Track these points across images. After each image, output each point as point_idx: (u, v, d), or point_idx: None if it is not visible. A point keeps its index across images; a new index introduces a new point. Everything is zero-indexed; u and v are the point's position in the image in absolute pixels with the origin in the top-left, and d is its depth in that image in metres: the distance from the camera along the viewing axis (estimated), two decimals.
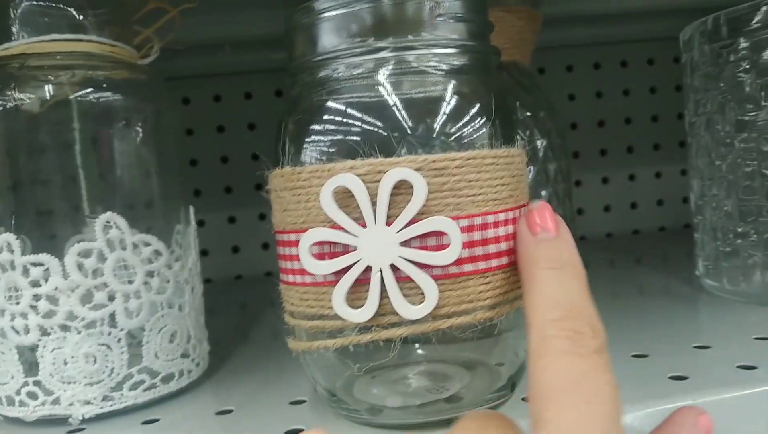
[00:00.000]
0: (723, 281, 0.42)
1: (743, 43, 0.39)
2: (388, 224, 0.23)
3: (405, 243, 0.23)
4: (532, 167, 0.39)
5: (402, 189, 0.23)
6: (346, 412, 0.28)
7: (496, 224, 0.24)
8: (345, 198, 0.23)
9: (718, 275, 0.43)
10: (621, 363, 0.32)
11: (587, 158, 0.72)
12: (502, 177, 0.24)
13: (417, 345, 0.30)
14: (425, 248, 0.23)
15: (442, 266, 0.23)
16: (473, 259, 0.23)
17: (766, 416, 0.28)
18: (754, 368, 0.30)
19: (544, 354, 0.19)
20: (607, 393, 0.18)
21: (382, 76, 0.25)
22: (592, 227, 0.72)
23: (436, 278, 0.23)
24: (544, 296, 0.21)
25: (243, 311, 0.52)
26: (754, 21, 0.38)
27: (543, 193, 0.39)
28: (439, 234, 0.23)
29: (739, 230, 0.41)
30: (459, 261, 0.23)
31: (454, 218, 0.23)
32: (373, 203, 0.23)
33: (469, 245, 0.23)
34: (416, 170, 0.22)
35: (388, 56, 0.25)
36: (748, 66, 0.39)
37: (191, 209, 0.36)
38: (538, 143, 0.39)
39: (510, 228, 0.24)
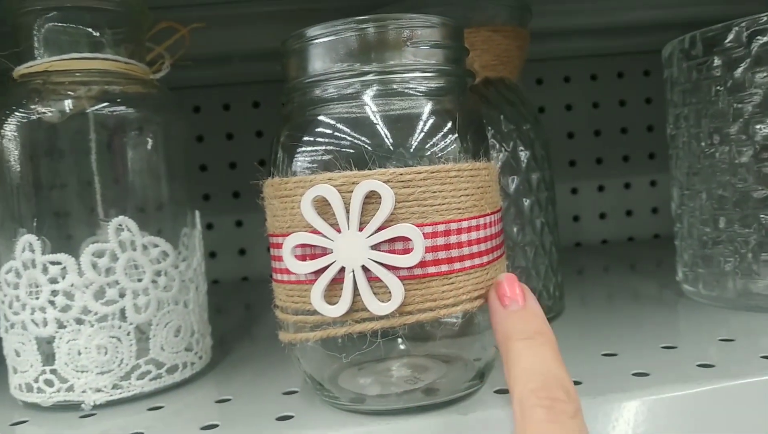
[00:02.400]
0: (699, 286, 0.44)
1: (716, 62, 0.40)
2: (360, 229, 0.25)
3: (375, 247, 0.25)
4: (515, 177, 0.41)
5: (373, 199, 0.25)
6: (332, 400, 0.30)
7: (459, 231, 0.26)
8: (323, 206, 0.25)
9: (695, 281, 0.44)
10: (591, 361, 0.34)
11: (584, 167, 0.73)
12: (466, 188, 0.26)
13: (400, 341, 0.32)
14: (393, 251, 0.25)
15: (407, 268, 0.25)
16: (436, 262, 0.25)
17: (720, 410, 0.29)
18: (712, 366, 0.31)
19: (528, 424, 0.22)
20: None
21: (367, 96, 0.28)
22: (588, 234, 0.74)
23: (402, 278, 0.25)
24: (520, 368, 0.23)
25: (247, 311, 0.55)
26: (726, 40, 0.40)
27: (526, 201, 0.41)
28: (405, 239, 0.25)
29: (715, 238, 0.42)
30: (422, 264, 0.25)
31: (418, 225, 0.25)
32: (347, 211, 0.25)
33: (432, 249, 0.25)
34: (385, 181, 0.24)
35: (372, 79, 0.27)
36: (721, 83, 0.40)
37: (197, 214, 0.38)
38: (522, 154, 0.41)
39: (473, 234, 0.26)
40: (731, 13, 0.42)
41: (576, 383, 0.30)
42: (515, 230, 0.40)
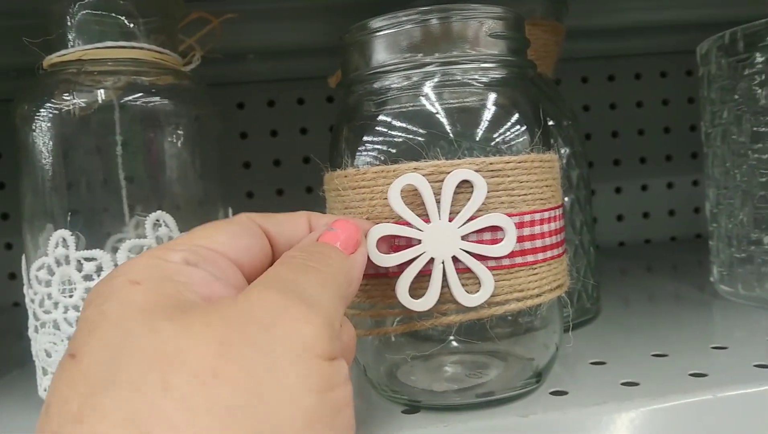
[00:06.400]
0: (737, 286, 0.47)
1: (759, 58, 0.44)
2: (450, 219, 0.27)
3: (465, 237, 0.27)
4: None
5: (462, 188, 0.27)
6: (390, 395, 0.32)
7: (542, 222, 0.28)
8: (409, 196, 0.28)
9: (732, 281, 0.48)
10: (643, 361, 0.36)
11: (601, 168, 0.78)
12: (546, 179, 0.29)
13: (452, 337, 0.34)
14: (482, 242, 0.27)
15: (496, 258, 0.27)
16: (523, 252, 0.28)
17: None
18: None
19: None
20: None
21: (429, 87, 0.30)
22: (605, 236, 0.78)
23: (491, 269, 0.27)
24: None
25: None
26: None
27: (566, 199, 0.44)
28: (494, 229, 0.27)
29: (754, 237, 0.46)
30: (512, 254, 0.27)
31: (508, 215, 0.27)
32: (437, 201, 0.27)
33: (519, 239, 0.28)
34: (476, 171, 0.27)
35: (435, 70, 0.30)
36: (763, 79, 0.44)
37: (230, 211, 0.40)
38: (562, 150, 0.44)
39: (552, 225, 0.29)
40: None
41: (633, 384, 0.33)
42: None
